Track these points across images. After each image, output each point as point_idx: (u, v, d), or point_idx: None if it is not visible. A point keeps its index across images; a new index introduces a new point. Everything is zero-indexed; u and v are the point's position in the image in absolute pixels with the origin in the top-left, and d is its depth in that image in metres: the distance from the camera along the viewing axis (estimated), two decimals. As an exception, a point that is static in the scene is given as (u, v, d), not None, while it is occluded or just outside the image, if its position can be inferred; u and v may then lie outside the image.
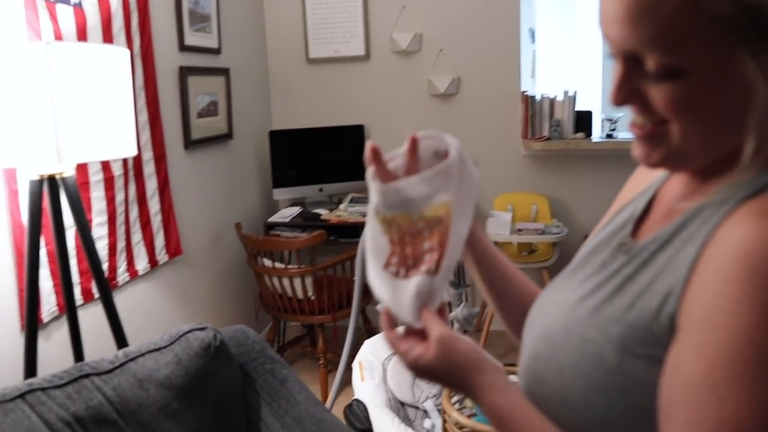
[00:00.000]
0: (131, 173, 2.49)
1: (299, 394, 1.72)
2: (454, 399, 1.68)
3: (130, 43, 2.46)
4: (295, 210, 3.70)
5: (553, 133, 3.58)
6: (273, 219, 3.58)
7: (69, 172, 1.76)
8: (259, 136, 3.79)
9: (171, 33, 2.84)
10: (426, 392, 2.23)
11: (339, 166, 3.88)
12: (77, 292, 2.16)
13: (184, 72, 2.91)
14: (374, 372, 2.25)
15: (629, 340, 0.66)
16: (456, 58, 3.76)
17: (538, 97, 3.64)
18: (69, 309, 1.87)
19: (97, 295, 2.14)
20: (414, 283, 0.75)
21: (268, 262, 3.13)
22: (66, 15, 2.13)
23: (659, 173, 0.81)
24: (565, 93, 3.61)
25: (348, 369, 2.56)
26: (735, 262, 0.57)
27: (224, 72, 3.32)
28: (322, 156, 3.85)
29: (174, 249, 2.77)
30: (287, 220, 3.54)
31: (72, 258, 2.11)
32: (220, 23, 3.25)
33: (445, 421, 2.02)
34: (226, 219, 3.36)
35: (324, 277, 3.23)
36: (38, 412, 1.33)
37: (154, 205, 2.65)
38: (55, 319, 2.10)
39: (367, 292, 3.41)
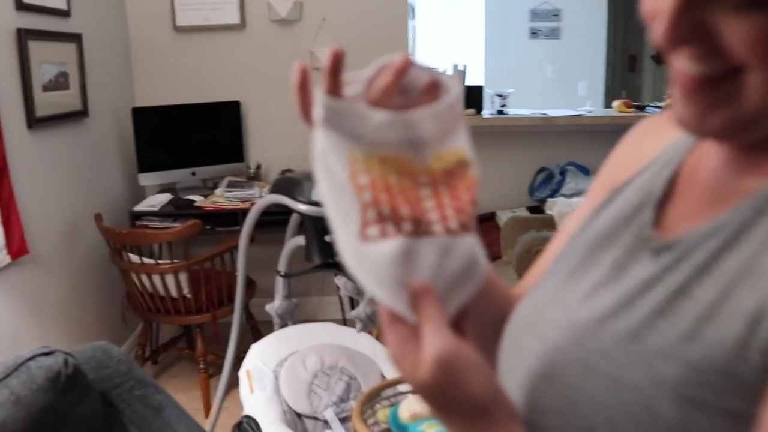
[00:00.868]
0: (-44, 158, 2.04)
1: (178, 424, 1.42)
2: (370, 418, 1.45)
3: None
4: (165, 197, 3.30)
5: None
6: (139, 208, 3.17)
7: None
8: (120, 114, 3.35)
9: (4, -11, 2.38)
10: (325, 400, 1.98)
11: (213, 147, 3.51)
12: None
13: (24, 35, 2.45)
14: (265, 382, 1.97)
15: (694, 386, 0.44)
16: (340, 28, 3.49)
17: (427, 72, 3.44)
18: None
19: None
20: (419, 246, 0.48)
21: (135, 258, 2.74)
22: None
23: (670, 139, 0.60)
24: (455, 67, 3.44)
25: (234, 371, 2.27)
26: None
27: (75, 38, 2.86)
28: (194, 136, 3.47)
29: (18, 248, 2.33)
30: (156, 208, 3.15)
31: None
32: (67, -19, 2.79)
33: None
34: (83, 209, 2.91)
35: (201, 271, 2.88)
36: None
37: (-11, 196, 2.21)
38: None
39: (250, 286, 3.11)
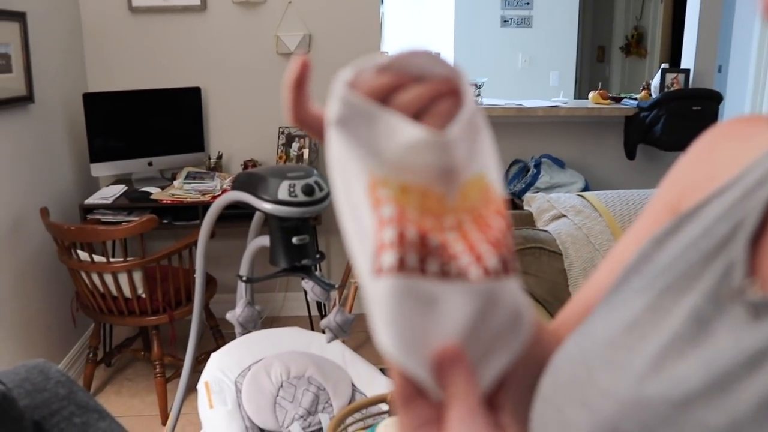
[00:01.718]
0: None
1: (125, 455, 1.26)
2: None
3: None
4: (119, 189, 3.09)
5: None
6: (91, 200, 2.97)
7: None
8: (70, 100, 3.12)
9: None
10: (291, 413, 1.83)
11: (172, 136, 3.31)
12: None
13: (-42, 14, 2.23)
14: (226, 395, 1.81)
15: None
16: (307, 11, 3.31)
17: (399, 59, 3.29)
18: None
19: None
20: (450, 293, 0.35)
21: (84, 255, 2.54)
22: None
23: (757, 150, 0.46)
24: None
25: (194, 374, 2.11)
26: None
27: (18, 17, 2.63)
28: (150, 124, 3.26)
29: (-49, 246, 2.12)
30: (109, 201, 2.94)
31: None
32: (9, -46, 2.56)
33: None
34: (27, 204, 2.70)
35: (157, 269, 2.70)
36: None
37: None
38: None
39: (210, 284, 2.93)
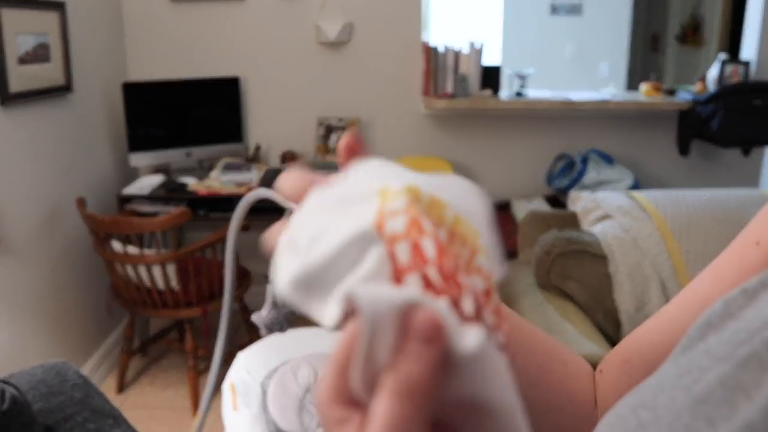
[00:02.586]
0: None
1: (138, 465, 1.21)
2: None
3: None
4: (157, 179, 3.08)
5: (458, 89, 3.15)
6: (129, 190, 2.96)
7: None
8: (109, 89, 3.12)
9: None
10: (317, 418, 1.78)
11: (210, 126, 3.29)
12: None
13: (-5, 3, 2.22)
14: (251, 398, 1.77)
15: None
16: (348, 1, 3.23)
17: (441, 49, 3.19)
18: None
19: None
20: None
21: (118, 247, 2.53)
22: None
23: None
24: (471, 45, 3.18)
25: (224, 370, 2.07)
26: None
27: (58, 6, 2.62)
28: (189, 114, 3.24)
29: (-14, 236, 2.12)
30: (146, 191, 2.93)
31: None
32: (48, -57, 2.55)
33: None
34: (64, 194, 2.70)
35: (191, 261, 2.67)
36: None
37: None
38: None
39: (245, 277, 2.90)
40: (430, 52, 3.16)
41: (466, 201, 0.35)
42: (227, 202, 2.92)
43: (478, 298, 0.32)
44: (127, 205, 2.92)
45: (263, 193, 1.50)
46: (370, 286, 0.30)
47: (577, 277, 2.07)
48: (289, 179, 0.39)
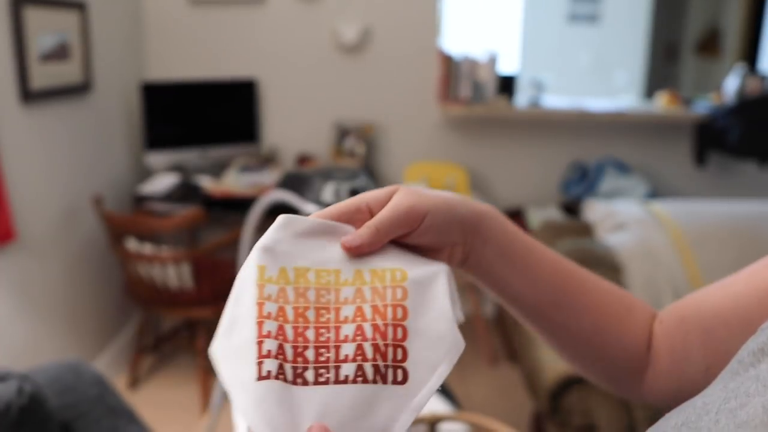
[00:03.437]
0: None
1: (151, 463, 1.22)
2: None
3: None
4: (173, 178, 3.10)
5: (475, 95, 3.16)
6: (144, 189, 2.98)
7: None
8: (127, 89, 3.14)
9: (-1, -52, 2.17)
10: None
11: (226, 127, 3.31)
12: None
13: (19, 2, 2.24)
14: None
15: None
16: (366, 4, 3.24)
17: (458, 58, 3.19)
18: None
19: None
20: (313, 394, 0.45)
21: (133, 245, 2.55)
22: None
23: None
24: (488, 54, 3.18)
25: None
26: None
27: (79, 6, 2.65)
28: (206, 114, 3.26)
29: (4, 233, 2.14)
30: (162, 191, 2.95)
31: None
32: (72, -57, 2.58)
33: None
34: (81, 192, 2.72)
35: (205, 261, 2.69)
36: None
37: (-27, 176, 2.02)
38: None
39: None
40: (447, 60, 3.17)
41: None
42: (242, 203, 2.94)
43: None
44: (142, 204, 2.94)
45: (280, 195, 1.49)
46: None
47: (591, 287, 2.06)
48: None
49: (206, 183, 3.02)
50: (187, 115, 3.21)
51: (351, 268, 0.49)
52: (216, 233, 3.35)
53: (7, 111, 2.21)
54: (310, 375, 0.45)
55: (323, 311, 0.48)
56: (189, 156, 3.20)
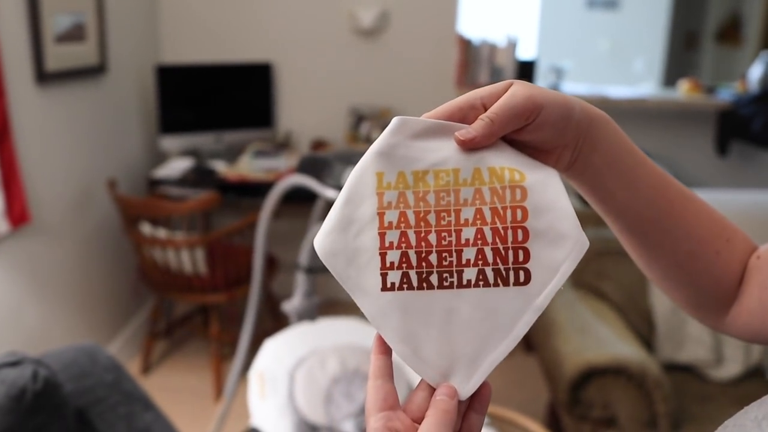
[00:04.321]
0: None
1: (167, 451, 1.20)
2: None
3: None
4: (187, 162, 3.08)
5: (493, 80, 3.10)
6: (159, 173, 2.96)
7: None
8: (142, 71, 3.11)
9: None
10: (344, 409, 1.76)
11: (241, 111, 3.28)
12: None
13: (34, -19, 2.21)
14: (278, 386, 1.75)
15: None
16: (383, -12, 3.19)
17: (476, 42, 3.14)
18: None
19: None
20: (444, 299, 0.48)
21: (147, 229, 2.53)
22: None
23: None
24: (507, 39, 3.13)
25: (249, 357, 2.06)
26: None
27: (94, -13, 2.62)
28: (221, 98, 3.23)
29: (18, 215, 2.13)
30: (177, 175, 2.93)
31: None
32: None
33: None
34: (96, 175, 2.71)
35: (219, 246, 2.67)
36: None
37: (-13, 158, 2.00)
38: None
39: (272, 264, 2.89)
40: (465, 44, 3.11)
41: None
42: (256, 188, 2.91)
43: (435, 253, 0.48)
44: (156, 188, 2.92)
45: (299, 180, 1.46)
46: None
47: (614, 277, 2.02)
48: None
49: (221, 167, 3.00)
50: (202, 98, 3.18)
51: (469, 167, 0.48)
52: (230, 218, 3.33)
53: (21, 92, 2.19)
54: (434, 279, 0.48)
55: (444, 214, 0.48)
56: (203, 140, 3.17)
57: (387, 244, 0.47)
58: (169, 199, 2.81)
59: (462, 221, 0.48)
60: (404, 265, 0.47)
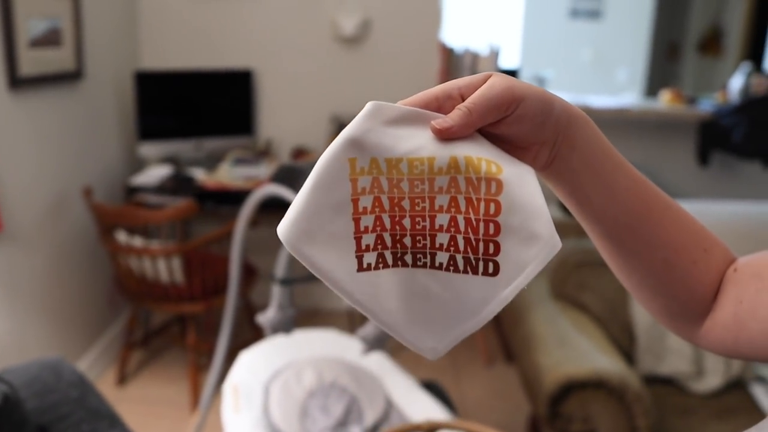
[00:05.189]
0: None
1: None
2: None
3: None
4: (166, 170, 3.03)
5: (475, 91, 3.09)
6: (137, 181, 2.91)
7: None
8: (120, 77, 3.07)
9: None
10: (320, 423, 1.72)
11: (221, 118, 3.24)
12: None
13: (7, -16, 2.17)
14: (253, 399, 1.71)
15: None
16: (366, -5, 3.17)
17: (459, 50, 3.13)
18: None
19: None
20: (416, 277, 0.50)
21: (123, 238, 2.49)
22: None
23: None
24: (490, 47, 3.12)
25: (226, 367, 2.02)
26: None
27: (71, -9, 2.57)
28: (200, 105, 3.19)
29: (-12, 223, 2.08)
30: (155, 182, 2.88)
31: None
32: (64, -74, 2.50)
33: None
34: (72, 181, 2.66)
35: (196, 255, 2.63)
36: None
37: (-44, 164, 1.95)
38: None
39: (251, 273, 2.85)
40: (448, 53, 3.10)
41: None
42: (236, 197, 2.87)
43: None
44: (134, 196, 2.87)
45: (274, 189, 1.43)
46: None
47: (595, 289, 2.00)
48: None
49: (200, 175, 2.96)
50: (181, 105, 3.14)
51: (445, 155, 0.47)
52: (208, 227, 3.29)
53: (-7, 97, 2.14)
54: (408, 259, 0.49)
55: (418, 200, 0.48)
56: (182, 147, 3.13)
57: (362, 228, 0.48)
58: (147, 206, 2.76)
59: (436, 207, 0.48)
60: (379, 246, 0.48)
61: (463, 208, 0.48)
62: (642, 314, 2.02)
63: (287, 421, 1.70)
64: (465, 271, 0.48)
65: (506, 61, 3.25)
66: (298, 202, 0.48)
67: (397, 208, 0.48)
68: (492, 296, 0.48)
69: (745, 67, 3.23)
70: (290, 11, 3.21)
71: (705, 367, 2.02)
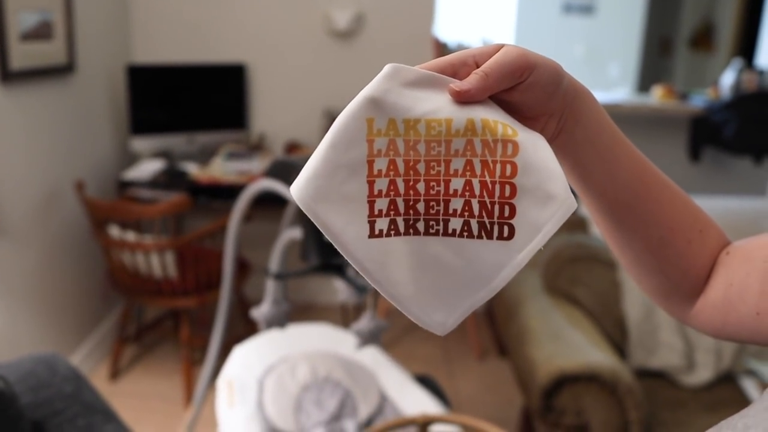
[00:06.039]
0: None
1: (128, 464, 1.16)
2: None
3: None
4: (158, 164, 3.03)
5: (468, 86, 3.09)
6: (129, 175, 2.90)
7: None
8: (112, 71, 3.05)
9: None
10: (314, 417, 1.73)
11: (214, 112, 3.23)
12: None
13: (-2, -23, 2.16)
14: (247, 394, 1.71)
15: None
16: (359, -10, 3.17)
17: (452, 45, 3.13)
18: None
19: None
20: (429, 245, 0.50)
21: (116, 232, 2.48)
22: None
23: None
24: (483, 42, 3.12)
25: (219, 362, 2.02)
26: None
27: (62, -16, 2.56)
28: (193, 99, 3.18)
29: (-20, 217, 2.07)
30: (147, 177, 2.88)
31: None
32: None
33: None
34: (64, 176, 2.64)
35: (190, 250, 2.62)
36: None
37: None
38: None
39: (244, 268, 2.85)
40: (441, 48, 3.10)
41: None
42: (229, 191, 2.87)
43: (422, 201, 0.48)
44: (126, 190, 2.86)
45: (268, 184, 1.43)
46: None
47: (587, 283, 2.02)
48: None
49: (192, 170, 2.95)
50: (173, 99, 3.13)
51: (463, 117, 0.47)
52: (201, 221, 3.28)
53: (-15, 91, 2.13)
54: (421, 226, 0.48)
55: (433, 163, 0.48)
56: (175, 141, 3.12)
57: (376, 192, 0.47)
58: (140, 201, 2.75)
59: (451, 171, 0.48)
60: (392, 213, 0.48)
61: (478, 172, 0.48)
62: (634, 309, 2.03)
63: (282, 416, 1.70)
64: (479, 236, 0.48)
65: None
66: (313, 160, 0.47)
67: (412, 172, 0.48)
68: (507, 261, 0.48)
69: (737, 63, 3.25)
70: (283, 5, 3.20)
71: (696, 360, 2.04)
